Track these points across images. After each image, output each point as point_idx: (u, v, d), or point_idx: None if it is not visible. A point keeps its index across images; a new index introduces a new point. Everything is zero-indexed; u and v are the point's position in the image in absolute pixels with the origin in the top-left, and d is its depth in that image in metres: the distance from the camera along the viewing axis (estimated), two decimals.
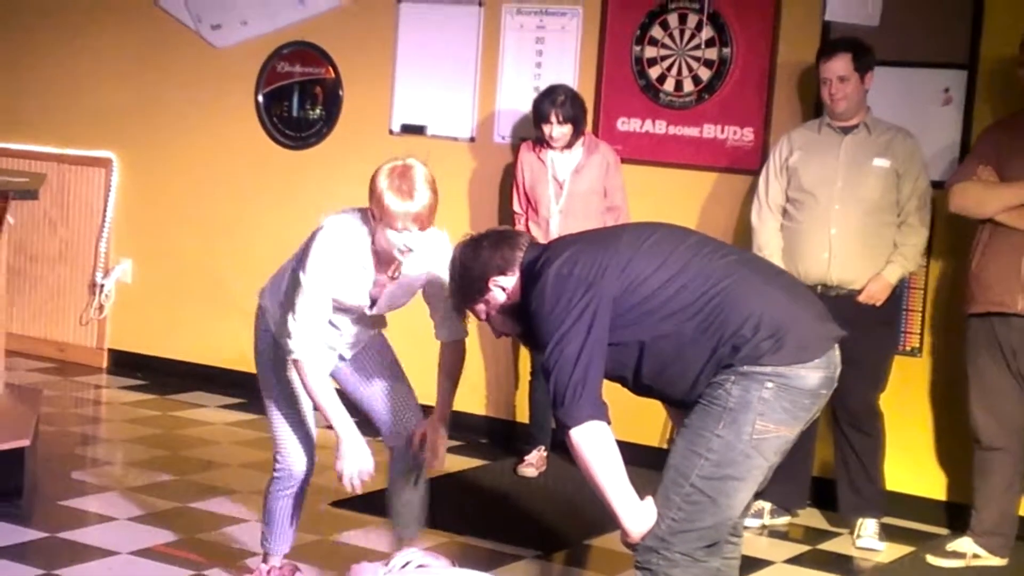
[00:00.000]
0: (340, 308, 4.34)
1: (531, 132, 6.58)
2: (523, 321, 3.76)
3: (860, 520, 5.84)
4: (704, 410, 3.59)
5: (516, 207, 6.55)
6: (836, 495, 5.93)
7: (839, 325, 3.76)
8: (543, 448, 6.50)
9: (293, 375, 4.42)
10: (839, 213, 5.71)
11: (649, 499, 3.64)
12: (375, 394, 4.59)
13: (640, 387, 3.75)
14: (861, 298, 5.71)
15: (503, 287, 3.79)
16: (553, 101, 6.25)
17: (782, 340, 3.55)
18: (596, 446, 3.59)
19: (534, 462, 6.45)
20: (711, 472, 3.57)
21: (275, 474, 4.63)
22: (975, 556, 5.56)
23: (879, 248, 5.73)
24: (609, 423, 3.62)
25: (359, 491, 4.33)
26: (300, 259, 4.30)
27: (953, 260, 5.87)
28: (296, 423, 4.55)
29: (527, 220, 6.50)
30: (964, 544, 5.59)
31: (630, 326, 3.62)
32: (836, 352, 3.68)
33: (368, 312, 4.41)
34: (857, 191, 5.71)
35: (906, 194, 5.73)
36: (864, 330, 5.45)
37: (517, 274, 3.78)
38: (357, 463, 4.27)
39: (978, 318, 5.54)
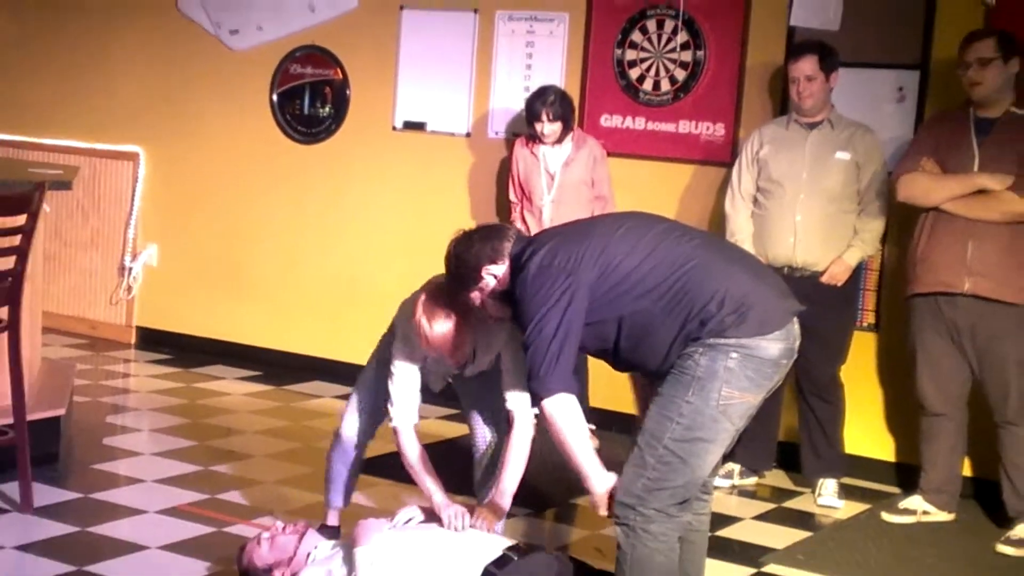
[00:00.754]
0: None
1: (522, 128, 6.69)
2: (512, 305, 3.89)
3: (821, 480, 5.97)
4: (675, 379, 3.69)
5: (512, 197, 6.65)
6: (800, 458, 6.07)
7: (803, 303, 3.86)
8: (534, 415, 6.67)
9: (392, 375, 4.45)
10: (804, 202, 5.82)
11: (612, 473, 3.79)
12: (471, 414, 4.80)
13: (620, 360, 3.88)
14: (823, 279, 5.84)
15: (494, 275, 3.92)
16: (544, 101, 6.37)
17: (745, 314, 3.64)
18: (566, 415, 3.74)
19: None
20: (682, 435, 3.66)
21: (334, 441, 4.80)
22: (925, 512, 5.72)
23: (840, 233, 5.83)
24: (576, 396, 3.76)
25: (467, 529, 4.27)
26: (397, 329, 4.40)
27: (907, 244, 5.84)
28: (370, 411, 4.69)
29: (522, 209, 6.59)
30: (915, 502, 5.74)
31: (608, 305, 3.73)
32: (795, 325, 3.78)
33: (462, 374, 4.50)
34: (821, 182, 5.81)
35: (865, 184, 5.82)
36: (826, 308, 5.68)
37: (507, 262, 3.90)
38: (455, 517, 4.25)
39: (923, 297, 5.60)
